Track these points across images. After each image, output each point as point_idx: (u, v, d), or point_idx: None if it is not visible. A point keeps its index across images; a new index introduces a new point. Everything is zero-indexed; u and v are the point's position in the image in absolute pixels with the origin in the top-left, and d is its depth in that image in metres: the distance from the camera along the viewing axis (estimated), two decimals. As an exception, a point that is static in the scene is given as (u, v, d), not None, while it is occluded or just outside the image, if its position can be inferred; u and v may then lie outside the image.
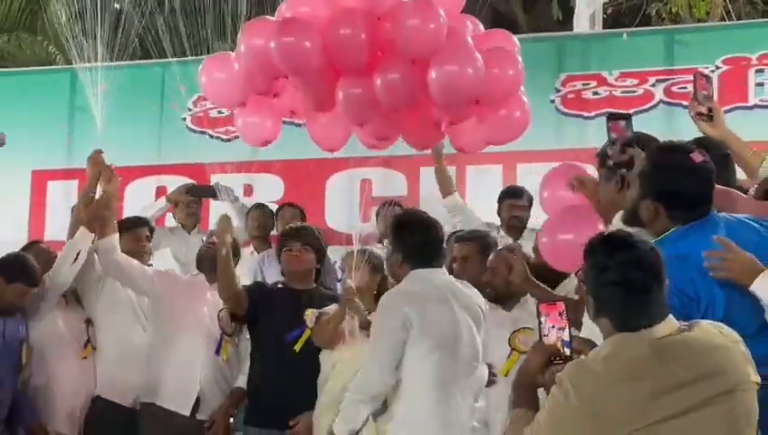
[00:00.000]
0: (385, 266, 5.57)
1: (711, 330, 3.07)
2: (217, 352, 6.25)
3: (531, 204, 7.37)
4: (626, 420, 2.92)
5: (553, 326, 3.28)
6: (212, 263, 6.14)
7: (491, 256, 5.69)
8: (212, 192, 7.21)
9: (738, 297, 3.39)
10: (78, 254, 6.14)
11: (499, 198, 7.39)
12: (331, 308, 5.73)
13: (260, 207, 7.79)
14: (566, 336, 3.26)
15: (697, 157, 3.56)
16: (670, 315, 3.08)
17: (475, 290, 5.01)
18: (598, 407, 2.93)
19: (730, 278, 3.35)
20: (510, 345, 5.49)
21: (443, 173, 7.30)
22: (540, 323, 3.31)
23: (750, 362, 3.05)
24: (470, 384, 4.79)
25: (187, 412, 6.11)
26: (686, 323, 3.09)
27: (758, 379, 3.02)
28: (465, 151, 6.63)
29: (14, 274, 5.99)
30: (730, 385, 2.97)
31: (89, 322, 6.39)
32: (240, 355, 6.31)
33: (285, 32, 5.72)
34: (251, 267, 7.45)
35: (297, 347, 5.70)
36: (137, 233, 6.58)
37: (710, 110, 4.16)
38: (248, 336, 6.23)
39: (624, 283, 3.03)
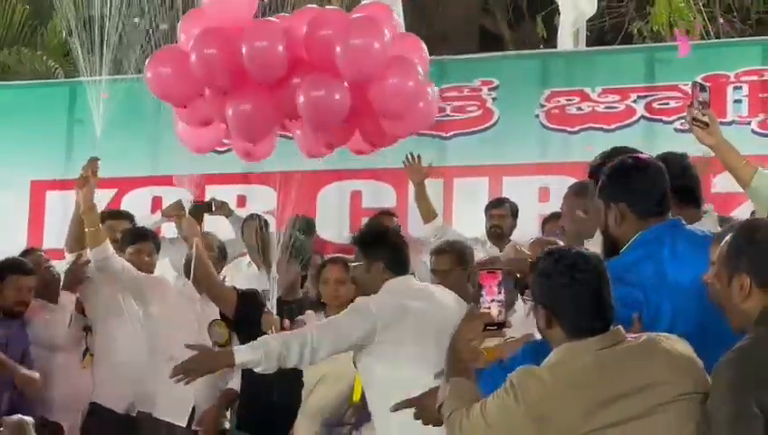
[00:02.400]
0: None
1: (659, 340, 3.13)
2: None
3: (515, 214, 7.44)
4: (568, 426, 2.99)
5: (492, 300, 3.40)
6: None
7: (471, 275, 5.50)
8: (208, 208, 7.21)
9: (685, 311, 3.43)
10: (71, 316, 6.10)
11: (484, 210, 7.47)
12: (307, 316, 5.72)
13: (254, 218, 7.76)
14: (502, 306, 3.39)
15: (643, 156, 3.79)
16: (620, 326, 3.16)
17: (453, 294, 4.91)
18: (541, 412, 2.99)
19: None
20: None
21: (424, 202, 7.35)
22: (481, 295, 3.42)
23: (696, 371, 3.10)
24: None
25: (183, 423, 6.05)
26: (633, 335, 3.16)
27: (704, 388, 3.04)
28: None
29: (4, 271, 5.96)
30: (672, 395, 3.02)
31: (87, 329, 6.32)
32: None
33: (159, 63, 5.86)
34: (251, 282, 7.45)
35: None
36: (139, 247, 6.45)
37: (705, 116, 4.16)
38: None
39: (572, 283, 3.12)
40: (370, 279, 4.77)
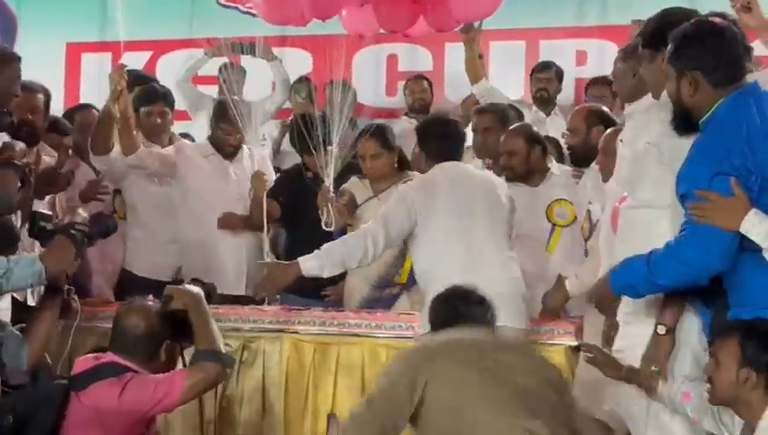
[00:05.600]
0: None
1: None
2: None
3: (560, 78, 7.31)
4: None
5: None
6: (228, 146, 5.98)
7: (502, 139, 5.47)
8: (251, 49, 6.93)
9: None
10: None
11: (530, 74, 7.36)
12: (351, 183, 5.59)
13: (303, 81, 7.61)
14: None
15: (716, 19, 3.49)
16: None
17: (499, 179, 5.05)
18: None
19: (712, 224, 3.25)
20: (549, 220, 5.33)
21: (473, 62, 7.04)
22: None
23: None
24: (497, 256, 4.67)
25: (242, 291, 5.86)
26: None
27: None
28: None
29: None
30: None
31: (117, 192, 6.11)
32: None
33: None
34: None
35: None
36: (149, 109, 6.13)
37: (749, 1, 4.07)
38: None
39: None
40: (422, 168, 5.06)
